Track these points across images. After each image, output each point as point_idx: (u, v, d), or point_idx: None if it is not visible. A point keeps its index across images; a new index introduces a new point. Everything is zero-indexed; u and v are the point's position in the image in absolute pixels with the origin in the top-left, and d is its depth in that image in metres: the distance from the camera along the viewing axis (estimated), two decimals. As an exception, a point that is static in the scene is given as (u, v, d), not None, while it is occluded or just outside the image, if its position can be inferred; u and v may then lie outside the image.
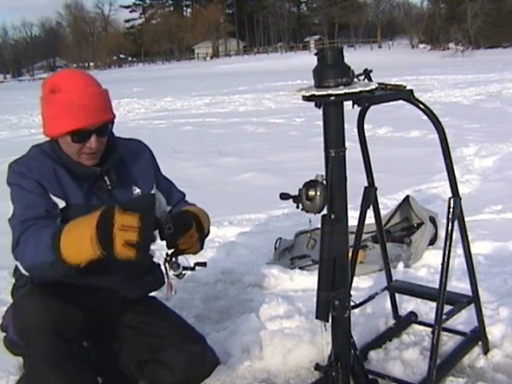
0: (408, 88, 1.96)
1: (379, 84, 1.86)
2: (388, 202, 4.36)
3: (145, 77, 44.60)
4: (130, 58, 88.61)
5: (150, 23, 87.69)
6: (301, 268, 3.25)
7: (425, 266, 3.18)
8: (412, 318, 2.56)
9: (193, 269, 1.88)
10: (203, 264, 1.98)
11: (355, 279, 2.32)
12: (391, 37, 65.72)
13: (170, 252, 1.85)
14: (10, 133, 11.73)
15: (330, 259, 1.74)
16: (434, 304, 2.07)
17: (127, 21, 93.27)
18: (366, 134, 2.22)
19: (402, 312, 2.61)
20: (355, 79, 1.74)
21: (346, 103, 1.72)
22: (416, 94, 1.99)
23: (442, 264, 1.99)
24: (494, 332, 2.36)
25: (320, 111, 1.74)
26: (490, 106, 11.10)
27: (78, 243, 1.57)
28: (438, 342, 1.97)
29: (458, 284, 2.77)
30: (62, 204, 1.84)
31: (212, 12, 74.48)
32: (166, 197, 2.13)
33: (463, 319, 2.46)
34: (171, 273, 1.85)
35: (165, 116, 13.15)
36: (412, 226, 3.62)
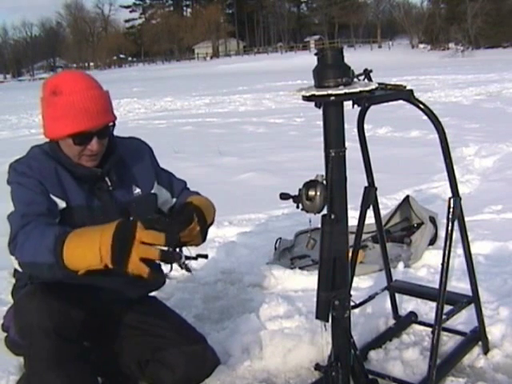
0: (408, 88, 1.96)
1: (379, 84, 1.86)
2: (388, 202, 4.36)
3: (145, 77, 44.61)
4: (130, 58, 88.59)
5: (149, 23, 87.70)
6: (301, 268, 3.25)
7: (425, 266, 3.18)
8: (412, 317, 2.56)
9: (195, 258, 1.87)
10: (205, 256, 1.97)
11: (355, 279, 2.32)
12: (391, 37, 65.73)
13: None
14: (10, 133, 11.73)
15: (329, 259, 1.74)
16: (434, 304, 2.07)
17: (127, 21, 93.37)
18: (366, 134, 2.22)
19: (402, 312, 2.61)
20: (355, 79, 1.74)
21: (346, 103, 1.72)
22: (416, 94, 1.99)
23: (442, 264, 1.99)
24: (494, 332, 2.36)
25: (320, 111, 1.74)
26: (490, 106, 11.11)
27: (84, 250, 1.55)
28: (437, 342, 1.97)
29: (458, 284, 2.77)
30: (62, 205, 1.84)
31: (212, 12, 74.50)
32: (169, 190, 2.13)
33: (463, 319, 2.46)
34: (174, 264, 1.86)
35: (165, 116, 13.16)
36: (412, 226, 3.62)
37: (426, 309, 2.63)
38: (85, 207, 1.87)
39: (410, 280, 2.81)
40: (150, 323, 2.03)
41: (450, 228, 1.98)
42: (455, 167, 2.09)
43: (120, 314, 2.05)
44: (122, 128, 1.95)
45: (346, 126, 1.74)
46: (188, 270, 1.73)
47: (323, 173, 1.73)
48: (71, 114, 1.78)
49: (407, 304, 2.67)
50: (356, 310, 2.35)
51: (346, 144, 1.75)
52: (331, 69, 1.66)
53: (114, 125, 1.92)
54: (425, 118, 1.99)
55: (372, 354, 2.31)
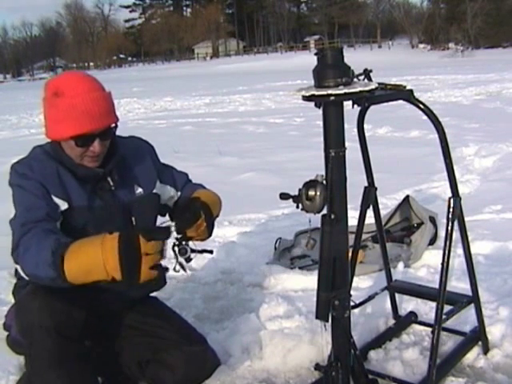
0: (408, 88, 1.96)
1: (379, 84, 1.86)
2: (388, 202, 4.36)
3: (144, 77, 44.59)
4: (129, 58, 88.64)
5: (149, 23, 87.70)
6: (301, 268, 3.25)
7: (425, 266, 3.18)
8: (412, 317, 2.56)
9: (200, 252, 1.91)
10: (210, 251, 2.01)
11: (355, 279, 2.32)
12: (391, 37, 65.72)
13: (178, 237, 1.87)
14: (10, 133, 11.73)
15: (329, 259, 1.74)
16: (433, 304, 2.07)
17: (127, 21, 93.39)
18: (366, 134, 2.22)
19: (402, 312, 2.61)
20: (355, 79, 1.74)
21: (345, 103, 1.71)
22: (416, 94, 1.98)
23: (442, 264, 1.99)
24: (493, 332, 2.36)
25: (320, 111, 1.73)
26: (490, 106, 11.11)
27: (88, 267, 1.56)
28: (437, 342, 1.97)
29: (458, 284, 2.77)
30: (64, 206, 1.84)
31: (212, 12, 74.50)
32: (173, 186, 2.14)
33: (463, 319, 2.46)
34: (180, 258, 1.88)
35: (165, 116, 13.15)
36: (412, 225, 3.61)
37: (426, 309, 2.62)
38: (87, 207, 1.87)
39: (410, 280, 2.81)
40: (151, 324, 2.04)
41: (449, 228, 1.98)
42: (455, 167, 2.09)
43: (121, 314, 2.05)
44: (122, 128, 1.95)
45: (345, 125, 1.74)
46: (189, 259, 1.82)
47: (323, 173, 1.73)
48: (73, 116, 1.78)
49: (407, 304, 2.67)
50: (356, 310, 2.35)
51: (346, 144, 1.75)
52: (331, 69, 1.65)
53: (116, 126, 1.92)
54: (425, 117, 1.98)
55: (372, 353, 2.31)
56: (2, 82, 75.33)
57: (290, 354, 2.33)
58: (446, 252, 1.98)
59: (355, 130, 2.17)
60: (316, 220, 1.78)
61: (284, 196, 1.76)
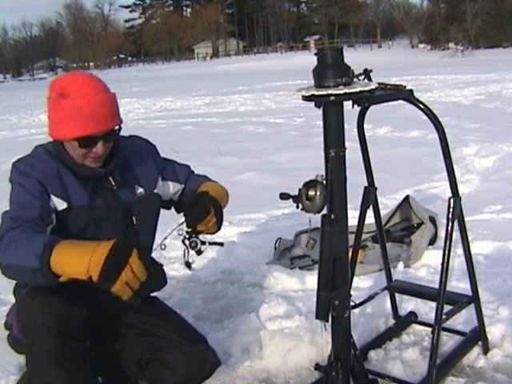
0: (408, 88, 1.96)
1: (379, 84, 1.86)
2: (388, 202, 4.36)
3: (145, 77, 44.59)
4: (129, 58, 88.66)
5: (149, 23, 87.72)
6: (301, 268, 3.25)
7: (425, 266, 3.18)
8: (412, 317, 2.56)
9: (211, 244, 1.94)
10: (220, 244, 2.05)
11: (355, 279, 2.32)
12: (391, 37, 65.70)
13: (188, 230, 1.88)
14: (10, 133, 11.74)
15: (329, 259, 1.74)
16: (433, 304, 2.07)
17: (127, 21, 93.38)
18: (366, 134, 2.22)
19: (402, 312, 2.61)
20: (355, 79, 1.74)
21: (345, 103, 1.72)
22: (416, 94, 1.99)
23: (442, 264, 1.99)
24: (493, 332, 2.36)
25: (320, 111, 1.74)
26: (490, 106, 11.11)
27: (73, 258, 1.56)
28: (437, 342, 1.97)
29: (458, 284, 2.77)
30: (63, 205, 1.84)
31: (212, 12, 74.48)
32: (175, 181, 2.15)
33: (463, 319, 2.46)
34: (191, 251, 1.89)
35: (165, 116, 13.16)
36: (412, 225, 3.61)
37: (426, 309, 2.63)
38: (87, 207, 1.88)
39: (410, 280, 2.81)
40: (151, 323, 2.04)
41: (449, 228, 1.98)
42: (455, 167, 2.09)
43: (121, 313, 2.05)
44: (122, 128, 1.95)
45: (345, 125, 1.74)
46: (200, 252, 1.88)
47: (323, 173, 1.73)
48: (78, 117, 1.78)
49: (407, 304, 2.67)
50: (356, 310, 2.35)
51: (346, 144, 1.75)
52: (331, 69, 1.66)
53: (120, 128, 1.92)
54: (425, 117, 1.98)
55: (372, 353, 2.31)
56: (2, 82, 75.35)
57: (290, 354, 2.33)
58: (446, 252, 1.98)
59: (355, 129, 2.17)
60: (316, 220, 1.78)
61: (284, 196, 1.76)
